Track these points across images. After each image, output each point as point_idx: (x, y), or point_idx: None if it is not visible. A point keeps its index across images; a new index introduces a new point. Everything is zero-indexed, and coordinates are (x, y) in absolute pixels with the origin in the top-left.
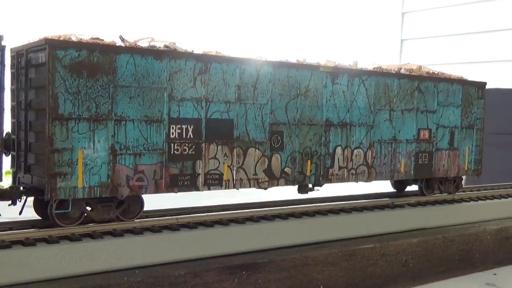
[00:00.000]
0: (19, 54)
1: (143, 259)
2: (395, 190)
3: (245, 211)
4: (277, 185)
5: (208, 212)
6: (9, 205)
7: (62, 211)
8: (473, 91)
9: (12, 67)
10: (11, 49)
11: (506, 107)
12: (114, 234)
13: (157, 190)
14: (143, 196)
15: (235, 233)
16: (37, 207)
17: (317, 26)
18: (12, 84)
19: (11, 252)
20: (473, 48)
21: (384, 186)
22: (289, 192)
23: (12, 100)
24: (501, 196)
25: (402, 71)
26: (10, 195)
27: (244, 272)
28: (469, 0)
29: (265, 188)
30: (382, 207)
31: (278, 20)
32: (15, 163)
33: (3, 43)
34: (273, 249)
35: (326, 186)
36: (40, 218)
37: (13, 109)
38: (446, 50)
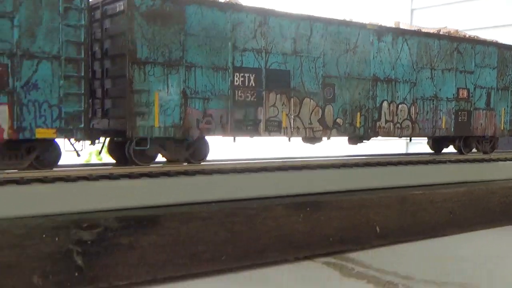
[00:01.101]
0: (94, 8)
1: (215, 195)
2: (432, 151)
3: (306, 159)
4: (330, 135)
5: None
6: (89, 144)
7: (141, 148)
8: (508, 55)
9: None
10: None
11: None
12: (186, 173)
13: (223, 133)
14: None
15: (299, 177)
16: (112, 150)
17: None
18: None
19: (100, 184)
20: None
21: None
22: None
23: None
24: None
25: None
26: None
27: (308, 209)
28: None
29: (319, 141)
30: (426, 162)
31: None
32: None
33: None
34: (334, 192)
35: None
36: (114, 161)
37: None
38: None
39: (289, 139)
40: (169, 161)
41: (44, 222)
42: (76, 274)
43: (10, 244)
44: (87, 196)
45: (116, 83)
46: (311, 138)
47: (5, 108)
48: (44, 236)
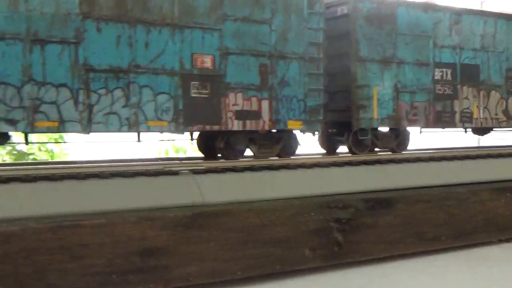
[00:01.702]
0: None
1: (426, 181)
2: None
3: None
4: None
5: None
6: (312, 135)
7: (365, 137)
8: None
9: None
10: None
11: None
12: (393, 161)
13: (426, 125)
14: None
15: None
16: (322, 141)
17: None
18: None
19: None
20: None
21: None
22: None
23: None
24: None
25: None
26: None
27: (508, 194)
28: None
29: (488, 132)
30: None
31: None
32: None
33: None
34: None
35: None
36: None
37: None
38: None
39: (465, 130)
40: (380, 149)
41: (310, 203)
42: (336, 249)
43: (288, 221)
44: (335, 179)
45: (334, 79)
46: (482, 129)
47: (266, 103)
48: (312, 214)
